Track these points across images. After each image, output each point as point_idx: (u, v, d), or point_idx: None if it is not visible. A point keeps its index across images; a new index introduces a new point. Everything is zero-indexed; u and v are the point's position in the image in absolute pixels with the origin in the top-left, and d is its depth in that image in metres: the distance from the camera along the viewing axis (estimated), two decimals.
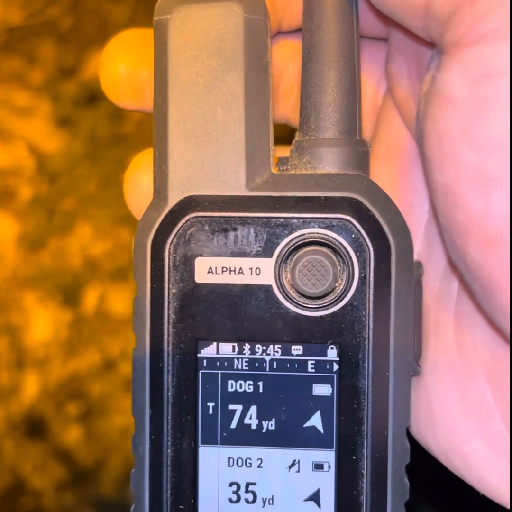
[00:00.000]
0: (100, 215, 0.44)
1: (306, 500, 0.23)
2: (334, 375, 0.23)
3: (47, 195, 0.44)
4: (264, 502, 0.23)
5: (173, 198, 0.23)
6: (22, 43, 0.45)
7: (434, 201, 0.21)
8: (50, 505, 0.43)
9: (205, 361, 0.23)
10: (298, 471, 0.23)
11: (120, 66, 0.26)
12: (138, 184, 0.26)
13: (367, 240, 0.22)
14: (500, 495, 0.23)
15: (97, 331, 0.43)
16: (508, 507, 0.23)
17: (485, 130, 0.19)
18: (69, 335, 0.43)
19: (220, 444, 0.23)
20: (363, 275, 0.22)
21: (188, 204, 0.23)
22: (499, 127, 0.18)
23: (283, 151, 0.25)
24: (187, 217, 0.23)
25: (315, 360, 0.23)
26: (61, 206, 0.44)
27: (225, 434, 0.23)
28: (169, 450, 0.23)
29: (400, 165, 0.25)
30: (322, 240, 0.22)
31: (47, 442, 0.43)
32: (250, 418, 0.23)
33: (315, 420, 0.23)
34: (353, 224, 0.22)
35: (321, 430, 0.23)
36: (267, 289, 0.23)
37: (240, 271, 0.23)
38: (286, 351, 0.23)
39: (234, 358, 0.23)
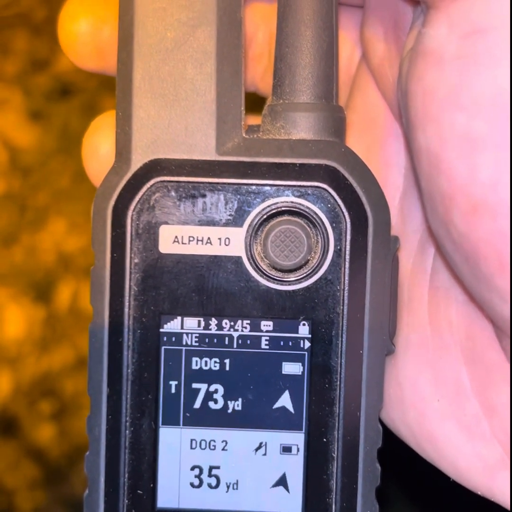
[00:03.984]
0: (73, 210, 0.43)
1: (273, 485, 0.22)
2: (306, 353, 0.21)
3: (20, 190, 0.43)
4: (228, 487, 0.22)
5: (137, 161, 0.21)
6: None
7: (417, 166, 0.20)
8: (22, 504, 0.42)
9: (168, 336, 0.21)
10: (265, 454, 0.22)
11: (81, 23, 0.24)
12: (97, 150, 0.25)
13: (344, 210, 0.21)
14: (471, 481, 0.22)
15: (71, 328, 0.42)
16: (479, 492, 0.22)
17: (473, 89, 0.17)
18: (43, 332, 0.42)
19: (183, 425, 0.22)
20: (338, 247, 0.21)
21: (153, 167, 0.21)
22: (488, 85, 0.17)
23: (252, 122, 0.24)
24: (152, 182, 0.21)
25: (286, 337, 0.21)
26: (33, 201, 0.43)
27: (188, 415, 0.22)
28: (127, 431, 0.22)
29: (374, 136, 0.24)
30: (296, 209, 0.21)
31: (20, 441, 0.42)
32: (215, 397, 0.22)
33: (284, 401, 0.21)
34: (329, 193, 0.21)
35: (291, 411, 0.21)
36: (237, 260, 0.21)
37: (208, 241, 0.21)
38: (255, 327, 0.21)
39: (199, 333, 0.21)
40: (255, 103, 0.26)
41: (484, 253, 0.18)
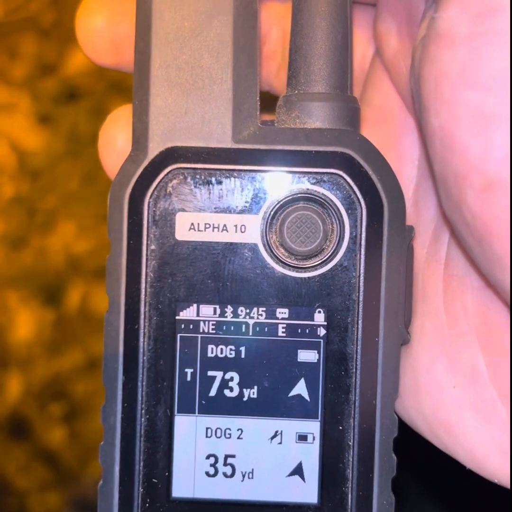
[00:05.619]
0: (82, 212, 0.43)
1: (289, 474, 0.22)
2: (321, 340, 0.21)
3: (29, 193, 0.43)
4: (243, 476, 0.22)
5: (154, 149, 0.21)
6: (3, 39, 0.44)
7: (430, 150, 0.20)
8: (34, 506, 0.42)
9: (184, 324, 0.21)
10: (280, 443, 0.21)
11: (98, 19, 0.24)
12: (113, 142, 0.25)
13: (359, 197, 0.21)
14: (488, 468, 0.22)
15: (80, 330, 0.42)
16: (495, 480, 0.22)
17: (485, 67, 0.18)
18: (52, 335, 0.42)
19: (198, 413, 0.22)
20: (354, 234, 0.21)
21: (170, 155, 0.21)
22: (500, 62, 0.17)
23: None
24: (168, 169, 0.21)
25: (302, 324, 0.21)
26: (42, 204, 0.43)
27: (203, 403, 0.22)
28: (142, 419, 0.21)
29: (388, 130, 0.24)
30: (312, 196, 0.21)
31: (31, 443, 0.42)
32: (231, 385, 0.21)
33: (300, 389, 0.21)
34: (345, 180, 0.21)
35: (306, 399, 0.21)
36: (253, 247, 0.21)
37: (224, 228, 0.21)
38: (270, 314, 0.21)
39: (215, 321, 0.21)
40: (269, 102, 0.26)
41: (497, 231, 0.18)
